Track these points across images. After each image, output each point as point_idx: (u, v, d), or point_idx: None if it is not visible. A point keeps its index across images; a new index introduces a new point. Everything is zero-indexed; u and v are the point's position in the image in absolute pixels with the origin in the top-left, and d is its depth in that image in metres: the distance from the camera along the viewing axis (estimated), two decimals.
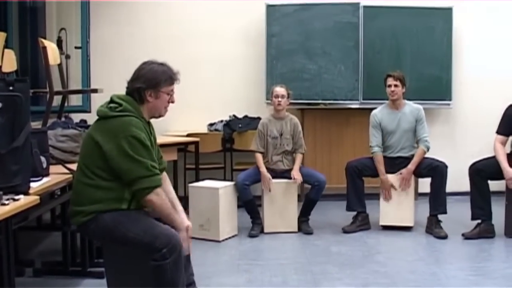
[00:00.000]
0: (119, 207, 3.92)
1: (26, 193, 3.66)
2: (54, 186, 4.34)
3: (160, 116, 4.20)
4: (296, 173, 7.00)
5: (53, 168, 4.57)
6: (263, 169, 7.03)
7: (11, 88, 3.60)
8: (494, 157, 6.61)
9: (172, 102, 4.18)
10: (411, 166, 6.91)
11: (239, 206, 7.06)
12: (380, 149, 7.09)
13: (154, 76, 4.04)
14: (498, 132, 6.74)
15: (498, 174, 6.52)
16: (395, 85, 6.95)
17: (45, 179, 4.23)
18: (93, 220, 3.90)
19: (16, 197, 3.49)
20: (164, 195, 4.00)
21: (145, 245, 3.84)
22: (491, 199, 6.61)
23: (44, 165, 4.35)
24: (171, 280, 3.87)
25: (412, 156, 6.97)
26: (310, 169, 7.39)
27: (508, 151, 6.69)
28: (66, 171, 4.59)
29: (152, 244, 3.82)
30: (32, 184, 3.86)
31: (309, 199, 7.06)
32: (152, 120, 4.25)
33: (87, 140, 3.99)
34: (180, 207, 4.29)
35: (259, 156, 7.12)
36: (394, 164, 7.03)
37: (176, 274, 3.89)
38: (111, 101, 4.02)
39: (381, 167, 7.03)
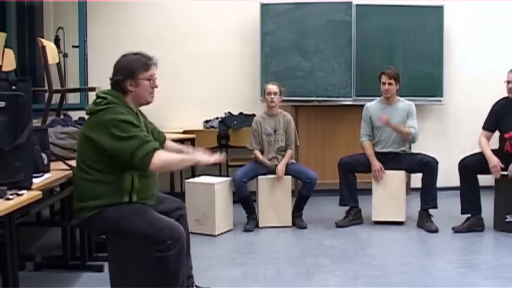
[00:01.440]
0: (121, 200, 4.03)
1: (29, 188, 3.74)
2: (55, 182, 4.42)
3: (148, 103, 4.28)
4: (280, 168, 7.13)
5: (53, 165, 4.64)
6: (265, 160, 7.18)
7: (14, 87, 3.71)
8: (482, 152, 6.75)
9: (156, 87, 4.27)
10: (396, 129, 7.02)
11: (234, 201, 7.15)
12: (368, 138, 7.21)
13: (129, 65, 4.17)
14: (483, 128, 6.88)
15: (487, 169, 6.63)
16: (389, 83, 7.03)
17: (46, 175, 4.30)
18: (97, 214, 4.02)
19: (20, 192, 3.58)
20: (166, 152, 4.12)
21: (150, 237, 3.95)
22: (480, 194, 6.74)
23: (45, 162, 4.42)
24: (174, 272, 3.99)
25: (403, 151, 7.12)
26: (302, 166, 7.51)
27: (497, 147, 6.81)
28: (66, 167, 4.68)
29: (157, 237, 3.93)
30: (34, 180, 3.94)
31: (301, 195, 7.17)
32: (148, 117, 4.39)
33: (81, 137, 4.12)
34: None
35: (257, 152, 7.25)
36: (386, 159, 7.13)
37: (178, 266, 4.01)
38: (97, 97, 4.16)
39: (369, 152, 7.14)
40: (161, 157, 3.95)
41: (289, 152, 7.28)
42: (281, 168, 7.12)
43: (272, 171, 7.20)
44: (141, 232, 3.98)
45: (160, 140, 4.49)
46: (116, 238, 4.26)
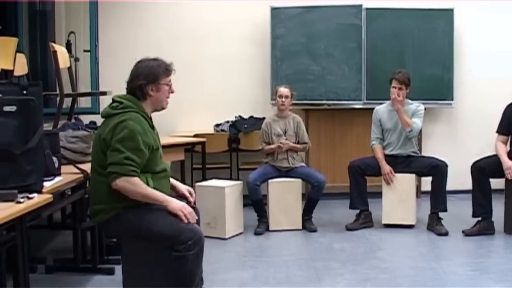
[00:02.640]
0: (137, 202, 4.06)
1: (39, 191, 3.77)
2: (65, 185, 4.47)
3: (162, 108, 4.36)
4: (285, 141, 7.16)
5: (64, 168, 4.69)
6: (275, 145, 7.19)
7: (25, 92, 3.75)
8: (496, 155, 6.72)
9: (172, 92, 4.36)
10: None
11: (245, 205, 7.17)
12: (378, 142, 7.21)
13: (151, 71, 4.22)
14: (498, 132, 6.86)
15: (500, 172, 6.61)
16: (399, 88, 7.01)
17: (57, 179, 4.34)
18: (115, 217, 4.07)
19: (30, 195, 3.60)
20: (137, 182, 4.03)
21: (170, 238, 3.99)
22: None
23: (56, 165, 4.47)
24: (190, 272, 4.04)
25: (413, 153, 7.13)
26: (311, 169, 7.53)
27: (508, 149, 6.80)
28: (77, 171, 4.72)
29: (178, 237, 3.98)
30: (45, 184, 3.98)
31: (310, 198, 7.17)
32: (160, 121, 4.42)
33: (96, 139, 4.18)
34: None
35: (265, 146, 7.28)
36: (396, 162, 7.12)
37: (196, 267, 4.07)
38: (113, 101, 4.22)
39: (379, 155, 7.14)
40: (125, 184, 3.97)
41: (303, 145, 7.33)
42: (285, 141, 7.16)
43: (282, 169, 7.23)
44: (161, 234, 4.02)
45: (158, 168, 4.34)
46: (131, 240, 4.27)
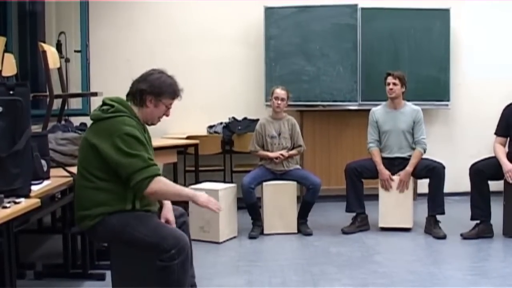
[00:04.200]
0: (123, 207, 3.97)
1: (27, 196, 3.68)
2: (54, 189, 4.37)
3: (151, 124, 4.26)
4: (284, 152, 7.08)
5: (53, 171, 4.59)
6: (269, 153, 7.10)
7: (11, 92, 3.64)
8: (494, 157, 6.64)
9: (167, 115, 4.26)
10: (409, 168, 6.93)
11: (239, 208, 7.08)
12: (375, 144, 7.13)
13: (160, 85, 4.12)
14: (496, 134, 6.78)
15: (498, 174, 6.53)
16: (394, 83, 6.98)
17: (45, 182, 4.25)
18: (100, 223, 3.96)
19: (17, 200, 3.51)
20: (166, 180, 4.00)
21: (153, 246, 3.88)
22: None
23: (45, 168, 4.37)
24: (177, 281, 3.91)
25: (410, 156, 7.00)
26: (306, 171, 7.44)
27: (507, 151, 6.71)
28: (67, 174, 4.62)
29: (160, 245, 3.86)
30: (33, 187, 3.88)
31: (305, 201, 7.10)
32: None
33: (83, 143, 4.06)
34: None
35: (260, 151, 7.18)
36: (393, 165, 7.05)
37: (182, 276, 3.93)
38: (103, 103, 4.09)
39: (377, 159, 7.06)
40: (159, 184, 3.91)
41: (298, 149, 7.23)
42: (284, 152, 7.08)
43: (277, 172, 7.15)
44: (144, 241, 3.92)
45: None
46: (119, 247, 4.18)
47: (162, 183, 3.94)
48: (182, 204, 4.59)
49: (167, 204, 4.38)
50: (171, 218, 4.30)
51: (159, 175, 3.93)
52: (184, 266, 3.93)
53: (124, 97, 4.15)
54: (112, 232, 3.97)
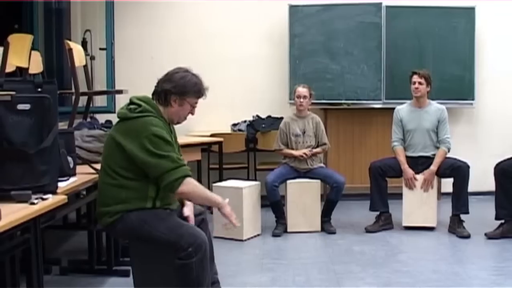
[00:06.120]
0: (144, 205, 3.98)
1: (54, 192, 3.70)
2: (80, 186, 4.39)
3: (177, 123, 4.27)
4: (307, 151, 7.07)
5: (79, 168, 4.62)
6: (294, 152, 7.11)
7: (39, 89, 3.67)
8: None
9: (192, 114, 4.26)
10: (433, 167, 6.91)
11: (262, 206, 7.09)
12: (400, 143, 7.11)
13: (185, 84, 4.11)
14: None
15: None
16: (419, 83, 6.95)
17: (72, 179, 4.28)
18: (119, 220, 3.97)
19: (45, 196, 3.53)
20: (195, 182, 4.02)
21: (171, 243, 3.88)
22: None
23: (71, 165, 4.40)
24: (197, 279, 3.90)
25: (434, 155, 6.97)
26: (330, 170, 7.44)
27: None
28: (92, 171, 4.64)
29: (178, 243, 3.86)
30: (60, 184, 3.91)
31: (329, 200, 7.10)
32: None
33: (109, 141, 4.07)
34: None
35: (284, 149, 7.19)
36: (417, 164, 7.02)
37: (201, 273, 3.92)
38: (131, 102, 4.10)
39: (401, 158, 7.04)
40: (190, 186, 3.94)
41: (322, 147, 7.23)
42: (307, 151, 7.08)
43: (301, 170, 7.15)
44: (161, 238, 3.93)
45: None
46: (138, 244, 4.20)
47: (193, 185, 3.97)
48: None
49: (188, 202, 4.40)
50: (191, 215, 4.31)
51: (190, 175, 3.95)
52: (202, 263, 3.92)
53: (148, 95, 4.16)
54: (130, 229, 3.99)
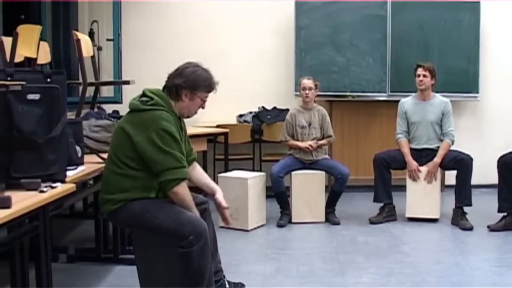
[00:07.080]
0: (147, 195, 4.02)
1: (62, 181, 3.75)
2: (88, 175, 4.44)
3: (188, 117, 4.32)
4: (313, 143, 7.12)
5: (86, 158, 4.67)
6: (300, 144, 7.15)
7: (49, 80, 3.71)
8: None
9: (203, 108, 4.31)
10: (437, 159, 6.95)
11: (267, 196, 7.13)
12: (404, 135, 7.14)
13: (196, 79, 4.16)
14: None
15: None
16: (424, 75, 6.98)
17: (80, 168, 4.32)
18: (122, 208, 4.02)
19: (54, 184, 3.58)
20: (187, 189, 4.09)
21: (171, 232, 3.94)
22: None
23: (79, 155, 4.44)
24: (199, 267, 3.95)
25: (438, 148, 7.01)
26: (334, 161, 7.48)
27: None
28: (100, 160, 4.69)
29: (178, 231, 3.91)
30: (68, 173, 3.96)
31: (333, 191, 7.14)
32: None
33: (118, 131, 4.11)
34: (216, 186, 4.62)
35: (290, 141, 7.23)
36: (421, 156, 7.06)
37: (203, 261, 3.97)
38: (143, 94, 4.13)
39: (405, 150, 7.07)
40: (185, 189, 4.04)
41: (327, 139, 7.28)
42: (313, 143, 7.13)
43: (306, 161, 7.20)
44: (162, 227, 3.97)
45: (190, 156, 4.44)
46: (141, 233, 4.25)
47: (186, 189, 4.05)
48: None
49: (219, 189, 4.57)
50: (223, 203, 4.50)
51: (186, 178, 4.03)
52: (203, 251, 3.96)
53: (156, 86, 4.20)
54: (132, 217, 4.03)
